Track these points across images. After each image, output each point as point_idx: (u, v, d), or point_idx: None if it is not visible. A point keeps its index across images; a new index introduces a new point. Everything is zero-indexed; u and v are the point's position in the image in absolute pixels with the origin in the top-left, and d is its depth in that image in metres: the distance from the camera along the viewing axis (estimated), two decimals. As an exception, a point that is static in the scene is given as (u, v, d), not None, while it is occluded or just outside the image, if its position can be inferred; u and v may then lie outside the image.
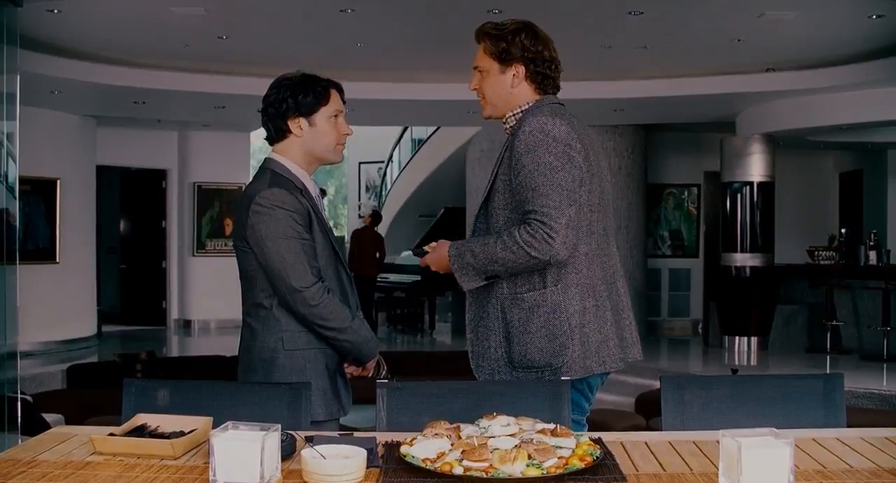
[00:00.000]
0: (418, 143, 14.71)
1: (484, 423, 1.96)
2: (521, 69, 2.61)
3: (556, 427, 1.92)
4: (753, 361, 9.08)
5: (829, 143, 10.31)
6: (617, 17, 6.55)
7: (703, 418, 2.34)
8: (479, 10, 5.96)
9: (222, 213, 11.93)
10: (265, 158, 2.71)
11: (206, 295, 11.64)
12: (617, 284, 2.63)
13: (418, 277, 11.53)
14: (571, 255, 2.48)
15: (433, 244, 2.67)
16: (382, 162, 16.16)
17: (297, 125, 2.63)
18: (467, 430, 1.93)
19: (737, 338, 9.47)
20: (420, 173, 13.96)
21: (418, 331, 12.19)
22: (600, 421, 4.64)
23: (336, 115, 2.67)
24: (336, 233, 12.22)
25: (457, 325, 11.72)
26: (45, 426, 4.52)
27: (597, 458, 1.81)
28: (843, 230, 10.25)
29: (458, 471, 1.74)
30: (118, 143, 10.99)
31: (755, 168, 9.45)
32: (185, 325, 11.88)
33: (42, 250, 9.41)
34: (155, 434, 2.02)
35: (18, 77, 5.02)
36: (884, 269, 8.78)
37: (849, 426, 2.33)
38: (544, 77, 2.63)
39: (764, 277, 9.50)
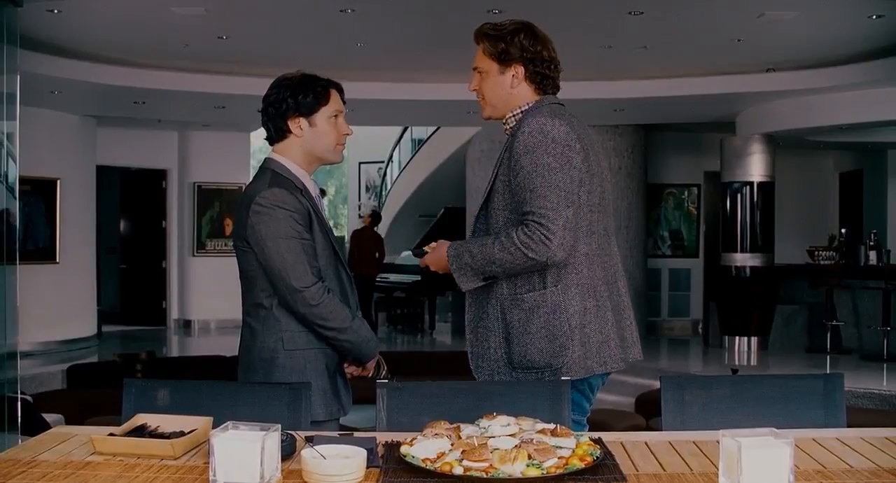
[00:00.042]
0: (418, 143, 14.71)
1: (484, 423, 1.96)
2: (521, 69, 2.61)
3: (556, 427, 1.92)
4: (753, 361, 9.08)
5: (829, 143, 10.31)
6: (617, 17, 6.55)
7: (703, 418, 2.34)
8: (479, 10, 5.96)
9: (222, 213, 11.93)
10: (265, 158, 2.71)
11: (206, 295, 11.64)
12: (618, 284, 2.63)
13: (418, 277, 11.53)
14: (570, 256, 2.49)
15: (433, 244, 2.67)
16: (382, 162, 16.16)
17: (298, 125, 2.63)
18: (467, 430, 1.93)
19: (737, 338, 9.47)
20: (420, 173, 13.96)
21: (418, 331, 12.18)
22: (600, 421, 4.64)
23: (336, 116, 2.67)
24: (336, 233, 12.24)
25: (457, 325, 11.71)
26: (45, 426, 4.52)
27: (597, 458, 1.81)
28: (843, 230, 10.26)
29: (458, 471, 1.74)
30: (118, 143, 10.99)
31: (755, 168, 9.45)
32: (185, 325, 11.88)
33: (42, 250, 9.41)
34: (155, 434, 2.02)
35: (18, 77, 5.02)
36: (884, 269, 8.78)
37: (849, 426, 2.33)
38: (544, 77, 2.63)
39: (764, 277, 9.50)
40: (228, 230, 11.78)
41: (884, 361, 8.31)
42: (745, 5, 6.26)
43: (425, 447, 1.84)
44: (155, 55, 7.94)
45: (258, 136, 12.04)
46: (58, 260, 9.55)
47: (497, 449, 1.77)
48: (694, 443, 2.06)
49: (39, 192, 9.35)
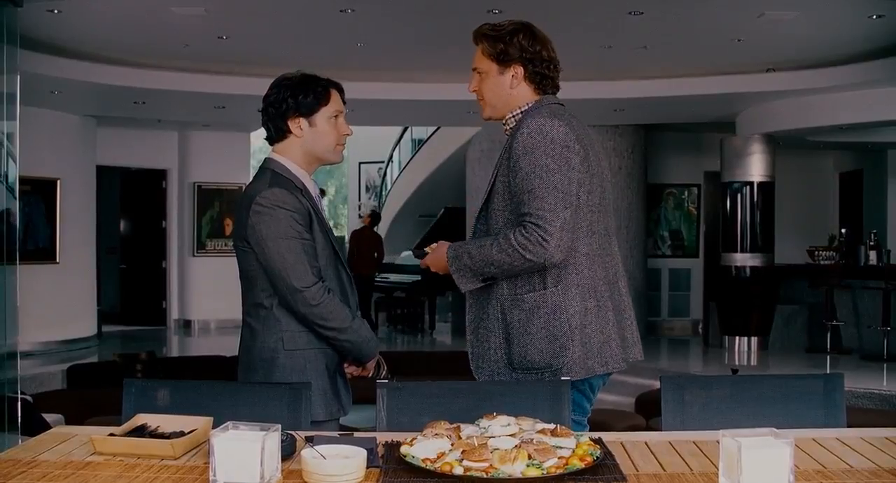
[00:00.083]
0: (418, 143, 14.71)
1: (484, 423, 1.96)
2: (520, 70, 2.61)
3: (556, 427, 1.92)
4: (753, 361, 9.08)
5: (829, 143, 10.31)
6: (617, 17, 6.55)
7: (703, 418, 2.34)
8: (478, 10, 5.96)
9: (222, 213, 11.93)
10: (265, 158, 2.71)
11: (206, 295, 11.64)
12: (619, 284, 2.63)
13: (418, 277, 11.53)
14: (570, 257, 2.48)
15: (433, 245, 2.67)
16: (382, 162, 16.16)
17: (298, 125, 2.63)
18: (467, 430, 1.93)
19: (737, 338, 9.47)
20: (420, 173, 13.96)
21: (418, 331, 12.18)
22: (600, 421, 4.64)
23: (336, 116, 2.67)
24: (336, 233, 12.24)
25: (457, 325, 11.71)
26: (46, 426, 4.52)
27: (597, 458, 1.81)
28: (843, 230, 10.26)
29: (459, 471, 1.74)
30: (118, 143, 10.99)
31: (755, 168, 9.45)
32: (185, 325, 11.88)
33: (42, 250, 9.41)
34: (155, 434, 2.02)
35: (18, 77, 5.02)
36: (884, 269, 8.78)
37: (849, 426, 2.33)
38: (543, 77, 2.63)
39: (764, 277, 9.50)
40: (228, 230, 11.78)
41: (884, 361, 8.31)
42: (745, 5, 6.26)
43: (425, 447, 1.84)
44: (155, 55, 7.94)
45: (258, 136, 12.04)
46: (58, 260, 9.55)
47: (497, 449, 1.77)
48: (694, 443, 2.06)
49: (39, 192, 9.35)
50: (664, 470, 1.86)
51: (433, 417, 2.05)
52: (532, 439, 1.84)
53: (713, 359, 9.44)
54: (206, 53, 7.83)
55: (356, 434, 2.12)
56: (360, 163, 16.95)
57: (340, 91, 2.71)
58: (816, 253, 9.59)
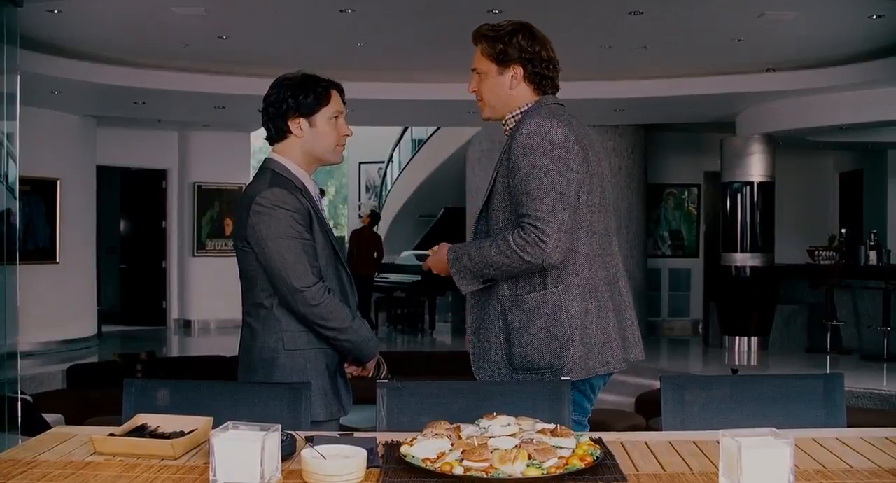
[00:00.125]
0: (418, 144, 14.71)
1: (484, 423, 1.96)
2: (520, 70, 2.61)
3: (557, 427, 1.92)
4: (753, 361, 9.08)
5: (829, 143, 10.31)
6: (617, 17, 6.55)
7: (703, 418, 2.34)
8: (478, 10, 5.96)
9: (222, 213, 11.93)
10: (265, 158, 2.71)
11: (206, 295, 11.64)
12: (619, 284, 2.63)
13: (418, 277, 11.54)
14: (570, 257, 2.48)
15: (435, 248, 2.68)
16: (382, 162, 16.16)
17: (298, 125, 2.63)
18: (467, 430, 1.93)
19: (737, 338, 9.47)
20: (420, 173, 13.96)
21: (418, 331, 12.18)
22: (600, 421, 4.64)
23: (336, 116, 2.67)
24: (336, 233, 12.25)
25: (457, 325, 11.72)
26: (46, 426, 4.52)
27: (597, 458, 1.81)
28: (843, 230, 10.26)
29: (459, 471, 1.74)
30: (118, 143, 10.99)
31: (755, 168, 9.45)
32: (185, 325, 11.88)
33: (42, 250, 9.41)
34: (155, 434, 2.02)
35: (18, 77, 5.02)
36: (884, 269, 8.78)
37: (849, 426, 2.33)
38: (542, 77, 2.62)
39: (764, 277, 9.50)
40: (228, 230, 11.78)
41: (884, 361, 8.32)
42: (745, 5, 6.26)
43: (425, 447, 1.84)
44: (155, 55, 7.94)
45: (258, 136, 12.04)
46: (58, 260, 9.55)
47: (497, 449, 1.77)
48: (694, 443, 2.06)
49: (39, 192, 9.35)
50: (664, 470, 1.86)
51: (433, 417, 2.05)
52: (532, 439, 1.84)
53: (713, 359, 9.44)
54: (206, 53, 7.83)
55: (356, 434, 2.12)
56: (360, 163, 16.96)
57: (341, 91, 2.71)
58: (816, 253, 9.59)
